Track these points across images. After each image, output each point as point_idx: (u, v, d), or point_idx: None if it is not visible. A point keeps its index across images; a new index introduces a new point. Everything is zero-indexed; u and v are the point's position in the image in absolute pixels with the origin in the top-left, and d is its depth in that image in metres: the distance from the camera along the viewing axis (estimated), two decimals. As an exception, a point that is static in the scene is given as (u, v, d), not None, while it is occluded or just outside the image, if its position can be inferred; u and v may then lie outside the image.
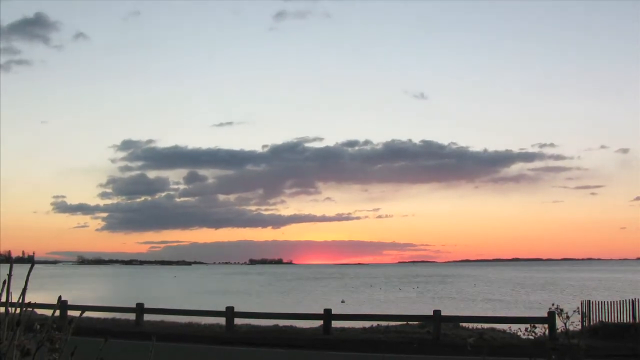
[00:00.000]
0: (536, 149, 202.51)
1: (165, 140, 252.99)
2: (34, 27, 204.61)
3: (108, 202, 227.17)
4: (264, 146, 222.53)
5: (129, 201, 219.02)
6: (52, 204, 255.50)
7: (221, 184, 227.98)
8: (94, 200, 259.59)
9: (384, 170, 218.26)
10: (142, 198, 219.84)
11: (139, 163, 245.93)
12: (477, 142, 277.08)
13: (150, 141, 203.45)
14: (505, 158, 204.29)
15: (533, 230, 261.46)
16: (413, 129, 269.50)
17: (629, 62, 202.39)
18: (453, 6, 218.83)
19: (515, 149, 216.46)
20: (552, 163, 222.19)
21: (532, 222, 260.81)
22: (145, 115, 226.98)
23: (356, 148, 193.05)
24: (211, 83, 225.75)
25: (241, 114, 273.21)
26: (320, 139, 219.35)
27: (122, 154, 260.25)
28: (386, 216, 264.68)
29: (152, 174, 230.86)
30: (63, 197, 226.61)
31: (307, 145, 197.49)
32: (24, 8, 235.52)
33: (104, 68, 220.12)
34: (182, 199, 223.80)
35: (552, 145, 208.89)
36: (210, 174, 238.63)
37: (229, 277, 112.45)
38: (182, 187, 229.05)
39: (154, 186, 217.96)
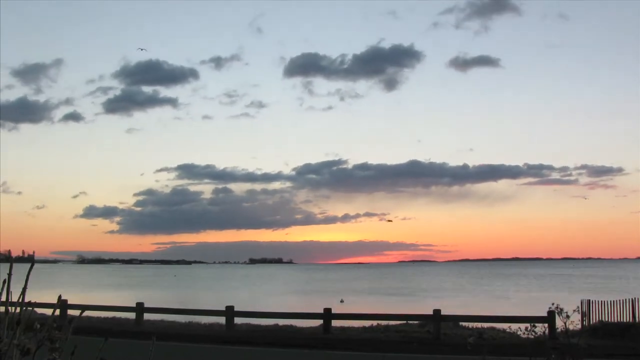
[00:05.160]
0: (525, 166, 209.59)
1: (222, 165, 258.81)
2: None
3: (134, 209, 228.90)
4: (293, 169, 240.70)
5: (155, 209, 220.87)
6: (82, 209, 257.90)
7: (246, 196, 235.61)
8: (121, 207, 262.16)
9: (390, 185, 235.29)
10: (167, 207, 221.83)
11: (183, 181, 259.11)
12: (473, 160, 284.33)
13: (208, 166, 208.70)
14: (499, 173, 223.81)
15: (533, 230, 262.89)
16: (418, 154, 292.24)
17: (616, 82, 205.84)
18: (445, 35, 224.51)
19: (507, 164, 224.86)
20: (543, 177, 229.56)
21: (531, 222, 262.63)
22: (214, 146, 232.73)
23: (367, 172, 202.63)
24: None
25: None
26: (345, 161, 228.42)
27: (171, 175, 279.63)
28: (390, 220, 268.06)
29: (189, 188, 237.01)
30: (95, 206, 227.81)
31: (328, 168, 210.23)
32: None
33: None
34: (206, 207, 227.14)
35: (539, 162, 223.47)
36: (238, 188, 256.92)
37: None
38: (210, 197, 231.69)
39: (185, 197, 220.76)
